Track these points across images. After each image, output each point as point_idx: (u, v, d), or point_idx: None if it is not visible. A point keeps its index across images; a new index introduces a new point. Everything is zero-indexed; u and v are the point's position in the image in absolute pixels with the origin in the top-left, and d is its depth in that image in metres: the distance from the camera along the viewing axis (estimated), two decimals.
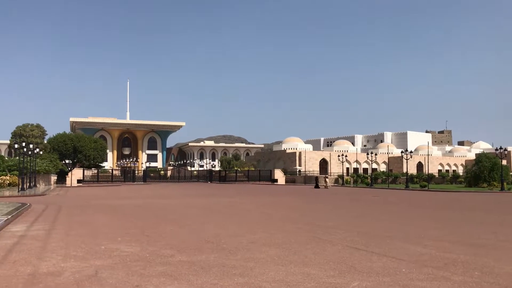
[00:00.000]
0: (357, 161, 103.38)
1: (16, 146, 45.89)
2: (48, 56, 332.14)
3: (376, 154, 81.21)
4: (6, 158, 67.27)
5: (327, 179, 60.80)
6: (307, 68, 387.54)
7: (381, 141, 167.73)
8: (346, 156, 79.93)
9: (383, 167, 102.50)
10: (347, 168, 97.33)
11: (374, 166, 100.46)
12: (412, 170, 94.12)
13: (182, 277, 7.86)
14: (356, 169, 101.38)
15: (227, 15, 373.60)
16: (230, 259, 9.42)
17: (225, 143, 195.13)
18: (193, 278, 7.79)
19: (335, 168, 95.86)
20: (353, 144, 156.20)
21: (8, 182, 51.02)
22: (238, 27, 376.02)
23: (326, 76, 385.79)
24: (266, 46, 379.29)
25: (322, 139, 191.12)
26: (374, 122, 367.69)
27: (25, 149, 44.20)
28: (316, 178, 62.14)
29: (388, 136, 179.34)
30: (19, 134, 77.43)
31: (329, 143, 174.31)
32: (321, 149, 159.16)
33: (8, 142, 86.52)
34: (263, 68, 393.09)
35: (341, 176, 75.99)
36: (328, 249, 10.73)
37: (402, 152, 67.30)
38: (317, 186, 57.75)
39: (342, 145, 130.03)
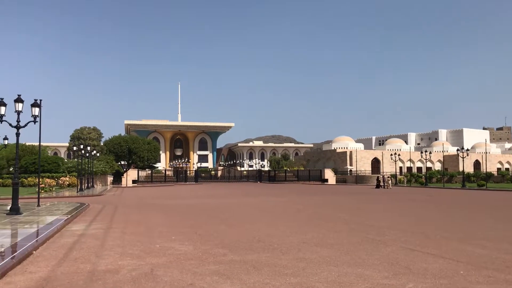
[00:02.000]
0: (410, 160, 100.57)
1: (74, 148, 47.91)
2: (104, 62, 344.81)
3: (430, 153, 78.76)
4: (66, 160, 70.43)
5: (389, 179, 59.10)
6: (357, 68, 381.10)
7: (435, 139, 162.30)
8: (399, 155, 77.97)
9: (437, 166, 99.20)
10: (400, 167, 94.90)
11: (429, 165, 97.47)
12: (469, 168, 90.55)
13: (234, 276, 7.94)
14: (409, 168, 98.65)
15: (278, 13, 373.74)
16: (281, 259, 9.42)
17: (274, 143, 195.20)
18: (245, 277, 7.85)
19: (388, 168, 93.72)
20: (406, 142, 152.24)
21: (67, 183, 53.40)
22: (293, 26, 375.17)
23: (377, 74, 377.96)
24: (319, 47, 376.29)
25: (373, 138, 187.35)
26: (428, 120, 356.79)
27: (83, 151, 46.08)
28: (378, 178, 60.32)
29: (443, 133, 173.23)
30: (77, 137, 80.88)
31: (381, 142, 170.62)
32: (373, 148, 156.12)
33: (67, 144, 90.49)
34: (313, 68, 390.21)
35: (394, 176, 74.20)
36: (381, 250, 10.52)
37: (457, 150, 64.84)
38: (378, 186, 56.22)
39: (395, 144, 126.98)
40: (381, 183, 57.11)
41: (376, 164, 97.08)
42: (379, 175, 71.39)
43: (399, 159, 78.92)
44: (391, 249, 10.60)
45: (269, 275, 8.01)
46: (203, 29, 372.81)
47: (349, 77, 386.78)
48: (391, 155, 77.94)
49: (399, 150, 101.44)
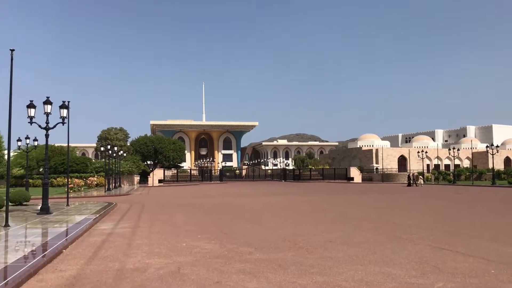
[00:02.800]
0: (438, 157, 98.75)
1: (102, 149, 48.73)
2: (130, 63, 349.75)
3: (458, 150, 77.17)
4: (93, 161, 71.70)
5: (421, 177, 57.89)
6: (381, 63, 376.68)
7: (464, 136, 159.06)
8: (426, 152, 76.67)
9: (466, 163, 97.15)
10: (428, 165, 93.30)
11: (457, 162, 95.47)
12: (499, 165, 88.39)
13: (260, 274, 7.95)
14: (437, 166, 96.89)
15: (301, 12, 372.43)
16: (307, 258, 9.39)
17: (298, 141, 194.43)
18: (271, 276, 7.85)
19: (415, 165, 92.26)
20: (433, 139, 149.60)
21: (95, 182, 54.41)
22: (313, 24, 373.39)
23: (402, 70, 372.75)
24: (342, 43, 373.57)
25: (400, 135, 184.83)
26: (455, 116, 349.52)
27: (110, 152, 46.85)
28: (409, 176, 58.41)
29: (471, 130, 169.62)
30: (104, 138, 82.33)
31: (407, 139, 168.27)
32: (399, 145, 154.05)
33: (95, 145, 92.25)
34: (337, 65, 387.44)
35: (421, 173, 73.01)
36: (409, 249, 10.37)
37: (487, 146, 63.35)
38: (409, 184, 54.94)
39: (422, 141, 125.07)
40: (412, 181, 55.85)
41: (402, 161, 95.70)
42: (410, 172, 69.51)
43: (426, 156, 77.57)
44: (419, 248, 10.44)
45: (296, 274, 7.99)
46: (227, 29, 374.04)
47: (374, 74, 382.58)
48: (418, 152, 76.70)
49: (426, 147, 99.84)
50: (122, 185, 58.19)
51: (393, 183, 70.28)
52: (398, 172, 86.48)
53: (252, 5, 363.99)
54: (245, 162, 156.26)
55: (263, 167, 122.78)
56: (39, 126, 19.64)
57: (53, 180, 56.16)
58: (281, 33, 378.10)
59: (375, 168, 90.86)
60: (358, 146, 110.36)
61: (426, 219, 17.26)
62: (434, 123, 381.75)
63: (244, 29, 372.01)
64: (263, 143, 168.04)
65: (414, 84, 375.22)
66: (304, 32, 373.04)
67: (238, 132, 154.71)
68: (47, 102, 19.30)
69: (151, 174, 72.58)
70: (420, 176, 57.54)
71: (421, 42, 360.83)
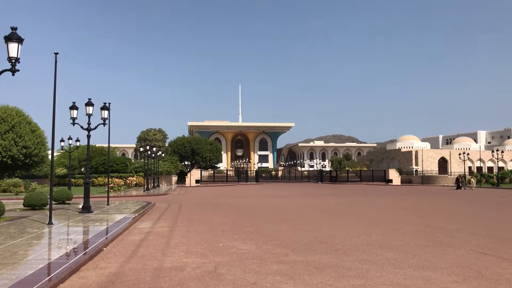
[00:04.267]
0: (480, 160, 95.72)
1: (141, 149, 49.79)
2: (167, 65, 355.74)
3: (502, 152, 74.57)
4: (133, 161, 73.28)
5: (473, 179, 55.49)
6: (421, 63, 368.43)
7: (508, 137, 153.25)
8: (468, 154, 74.42)
9: (510, 166, 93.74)
10: (469, 167, 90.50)
11: (501, 164, 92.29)
12: None
13: (297, 276, 7.90)
14: (479, 168, 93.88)
15: (342, 9, 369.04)
16: (344, 260, 9.27)
17: (335, 142, 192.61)
18: (308, 278, 7.79)
19: (456, 168, 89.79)
20: (475, 141, 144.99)
21: (134, 182, 55.61)
22: (358, 21, 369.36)
23: (444, 70, 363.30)
24: (382, 42, 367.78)
25: (440, 137, 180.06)
26: (499, 117, 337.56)
27: (148, 152, 47.78)
28: (457, 178, 55.01)
29: None
30: (143, 139, 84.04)
31: (448, 141, 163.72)
32: (440, 147, 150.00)
33: (134, 146, 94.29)
34: (375, 65, 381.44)
35: (463, 176, 70.87)
36: (450, 253, 10.08)
37: None
38: (459, 187, 52.04)
39: (463, 143, 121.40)
40: (462, 184, 52.62)
41: (443, 164, 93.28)
42: (459, 175, 66.39)
43: (468, 158, 75.22)
44: (461, 252, 10.13)
45: (332, 276, 7.89)
46: (264, 29, 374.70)
47: (412, 73, 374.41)
48: (460, 154, 74.56)
49: (468, 149, 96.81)
50: (160, 185, 59.20)
51: (433, 185, 68.56)
52: (439, 174, 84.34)
53: (287, 2, 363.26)
54: (281, 163, 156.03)
55: (299, 168, 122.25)
56: (81, 127, 20.18)
57: (94, 179, 57.71)
58: (319, 30, 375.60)
59: (414, 170, 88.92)
60: (397, 148, 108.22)
61: (468, 223, 16.73)
62: (476, 124, 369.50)
63: (282, 29, 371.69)
64: (299, 144, 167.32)
65: (455, 84, 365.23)
66: (341, 30, 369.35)
67: (274, 133, 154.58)
68: (89, 103, 19.83)
69: (188, 174, 73.52)
70: (472, 178, 54.95)
71: (465, 40, 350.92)
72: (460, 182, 52.97)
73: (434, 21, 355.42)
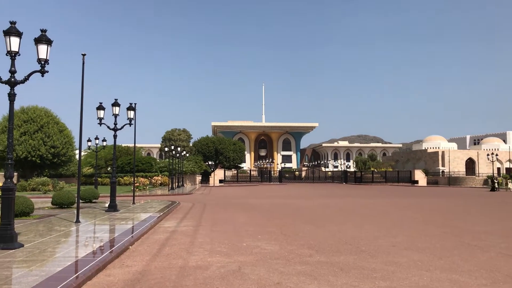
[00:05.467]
0: (509, 160, 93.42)
1: (166, 149, 50.29)
2: (192, 66, 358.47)
3: None
4: (158, 160, 74.10)
5: (509, 181, 53.76)
6: (448, 63, 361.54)
7: None
8: (496, 155, 72.71)
9: None
10: (498, 168, 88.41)
11: None
12: None
13: (321, 277, 7.85)
14: (508, 169, 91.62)
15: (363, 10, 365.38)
16: (369, 262, 9.17)
17: (360, 143, 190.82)
18: (332, 278, 7.74)
19: (484, 169, 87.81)
20: (504, 141, 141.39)
21: (159, 182, 56.23)
22: (376, 21, 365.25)
23: (470, 69, 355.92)
24: (405, 43, 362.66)
25: (467, 137, 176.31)
26: None
27: (173, 152, 48.23)
28: (492, 179, 53.19)
29: None
30: (168, 139, 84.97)
31: (476, 141, 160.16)
32: (467, 147, 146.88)
33: (159, 145, 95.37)
34: (401, 64, 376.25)
35: (492, 177, 69.25)
36: (478, 256, 9.87)
37: None
38: (493, 189, 50.03)
39: (492, 143, 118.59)
40: (496, 185, 50.56)
41: (470, 164, 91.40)
42: (493, 176, 64.09)
43: (497, 159, 73.45)
44: (489, 255, 9.91)
45: (357, 277, 7.82)
46: (287, 31, 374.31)
47: (441, 73, 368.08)
48: (488, 155, 72.87)
49: (496, 149, 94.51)
50: (184, 185, 59.69)
51: (460, 187, 67.22)
52: (466, 175, 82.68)
53: (312, 7, 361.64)
54: (304, 163, 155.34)
55: (323, 168, 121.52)
56: (108, 127, 20.46)
57: (120, 179, 58.55)
58: (342, 31, 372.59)
59: (441, 171, 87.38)
60: (423, 148, 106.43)
61: (497, 225, 16.35)
62: (505, 124, 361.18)
63: (305, 31, 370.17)
64: (323, 145, 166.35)
65: (483, 84, 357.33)
66: (364, 30, 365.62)
67: (298, 133, 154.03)
68: (115, 104, 20.11)
69: (212, 174, 73.92)
70: (509, 180, 52.96)
71: (490, 39, 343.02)
72: (495, 183, 50.95)
73: (468, 22, 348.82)
